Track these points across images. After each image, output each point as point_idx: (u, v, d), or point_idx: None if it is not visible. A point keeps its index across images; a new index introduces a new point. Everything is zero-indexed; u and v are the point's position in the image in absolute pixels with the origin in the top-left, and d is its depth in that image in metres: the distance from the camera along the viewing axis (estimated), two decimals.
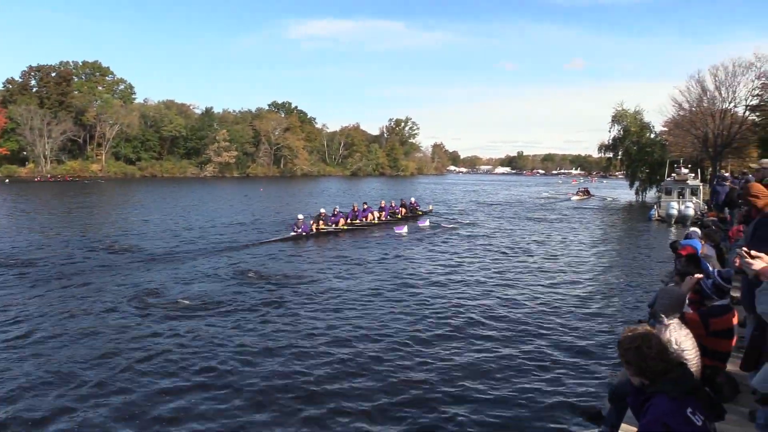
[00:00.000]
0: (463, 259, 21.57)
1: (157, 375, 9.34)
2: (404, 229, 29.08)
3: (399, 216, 35.16)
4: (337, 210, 30.77)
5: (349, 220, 30.49)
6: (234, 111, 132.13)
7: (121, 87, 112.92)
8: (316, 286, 16.25)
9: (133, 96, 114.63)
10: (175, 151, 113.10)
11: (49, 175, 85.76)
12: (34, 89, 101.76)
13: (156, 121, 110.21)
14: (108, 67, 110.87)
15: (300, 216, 27.98)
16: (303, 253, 22.30)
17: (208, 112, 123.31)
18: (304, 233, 26.89)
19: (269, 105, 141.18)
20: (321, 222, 28.55)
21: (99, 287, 15.55)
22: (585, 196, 70.23)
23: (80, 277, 16.90)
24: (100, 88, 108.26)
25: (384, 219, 33.18)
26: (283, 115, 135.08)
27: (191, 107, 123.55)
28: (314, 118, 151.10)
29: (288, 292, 15.32)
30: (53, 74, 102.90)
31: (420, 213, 37.61)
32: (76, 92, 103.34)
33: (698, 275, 5.54)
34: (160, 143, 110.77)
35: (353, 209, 32.04)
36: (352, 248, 23.92)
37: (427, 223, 32.93)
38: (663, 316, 4.72)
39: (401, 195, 52.60)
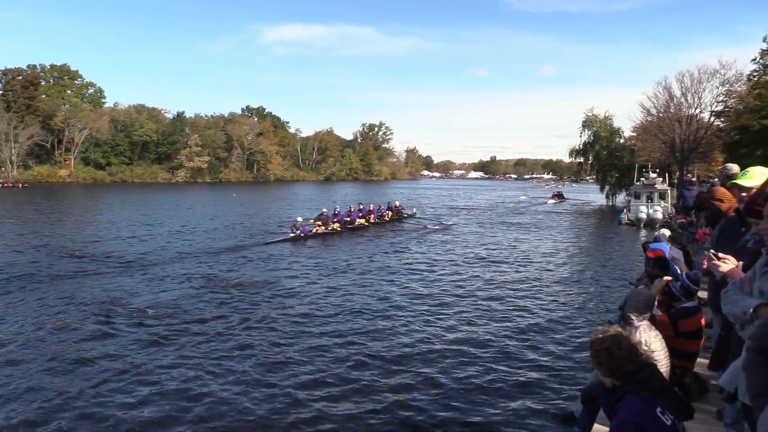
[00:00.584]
0: (436, 266, 21.61)
1: (125, 388, 9.15)
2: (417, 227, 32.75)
3: (386, 219, 36.82)
4: (338, 210, 32.74)
5: (345, 221, 32.13)
6: (206, 116, 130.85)
7: (91, 91, 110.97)
8: (283, 290, 16.15)
9: (103, 100, 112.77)
10: (146, 156, 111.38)
11: (19, 182, 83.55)
12: (1, 93, 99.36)
13: (126, 126, 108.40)
14: (77, 71, 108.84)
15: (299, 218, 28.95)
16: (287, 257, 22.15)
17: (179, 116, 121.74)
18: (302, 234, 27.75)
19: (242, 110, 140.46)
20: (321, 223, 29.83)
21: (63, 296, 15.18)
22: (560, 200, 72.44)
23: (44, 285, 16.48)
24: (68, 91, 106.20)
25: (373, 221, 34.72)
26: (256, 120, 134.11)
27: (162, 111, 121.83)
28: (288, 123, 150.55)
29: (257, 298, 15.19)
30: (20, 78, 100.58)
31: (405, 216, 39.94)
32: (44, 96, 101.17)
33: (667, 277, 5.64)
34: (131, 148, 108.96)
35: (350, 211, 33.81)
36: (336, 252, 23.90)
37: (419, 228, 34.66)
38: (633, 317, 4.78)
39: (375, 200, 52.60)
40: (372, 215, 35.21)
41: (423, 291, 16.61)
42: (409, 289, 16.78)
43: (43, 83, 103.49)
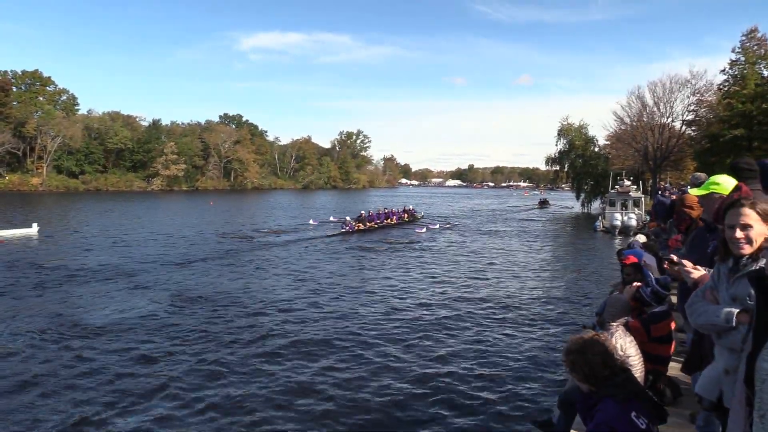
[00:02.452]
0: (413, 275, 21.73)
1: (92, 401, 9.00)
2: (424, 229, 38.47)
3: (405, 219, 44.05)
4: (371, 212, 40.09)
5: (374, 222, 38.75)
6: (182, 123, 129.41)
7: (64, 98, 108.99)
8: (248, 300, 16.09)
9: (76, 107, 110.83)
10: (121, 164, 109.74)
11: None
12: None
13: (100, 133, 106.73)
14: (49, 77, 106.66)
15: (347, 218, 37.44)
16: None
17: (155, 124, 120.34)
18: (350, 230, 35.26)
19: (220, 117, 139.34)
20: (360, 223, 37.14)
21: (31, 307, 14.89)
22: (546, 206, 78.78)
23: (7, 297, 16.15)
24: (40, 98, 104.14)
25: (396, 222, 41.91)
26: (233, 128, 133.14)
27: (138, 119, 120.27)
28: (265, 131, 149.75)
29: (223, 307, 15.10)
30: None
31: (419, 218, 47.45)
32: (15, 103, 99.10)
33: (636, 283, 5.75)
34: (105, 156, 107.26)
35: (378, 212, 41.10)
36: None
37: (424, 229, 39.04)
38: (611, 323, 4.86)
39: (354, 208, 52.54)
40: (395, 216, 42.42)
41: (402, 299, 16.69)
42: (392, 298, 16.89)
43: (14, 90, 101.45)
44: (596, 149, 67.05)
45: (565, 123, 67.31)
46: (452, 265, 23.80)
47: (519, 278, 20.94)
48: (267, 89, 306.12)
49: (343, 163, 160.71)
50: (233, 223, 41.50)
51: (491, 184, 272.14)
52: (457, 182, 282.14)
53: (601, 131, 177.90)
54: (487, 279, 20.53)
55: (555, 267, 24.44)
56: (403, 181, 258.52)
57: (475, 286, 19.11)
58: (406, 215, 45.31)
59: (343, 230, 35.47)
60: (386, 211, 42.45)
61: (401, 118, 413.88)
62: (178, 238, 31.68)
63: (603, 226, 41.34)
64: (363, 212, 39.48)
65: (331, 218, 42.19)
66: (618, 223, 38.96)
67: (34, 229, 32.12)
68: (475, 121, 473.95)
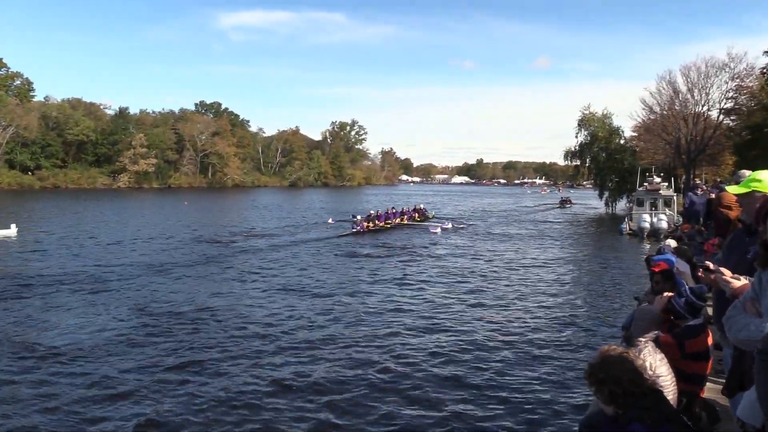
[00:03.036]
0: (422, 285, 21.89)
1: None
2: (438, 230, 40.71)
3: (416, 219, 47.07)
4: (380, 212, 42.79)
5: (384, 222, 41.45)
6: (153, 112, 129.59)
7: (17, 82, 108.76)
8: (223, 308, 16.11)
9: (32, 93, 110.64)
10: (83, 159, 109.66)
11: None
12: None
13: (60, 123, 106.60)
14: (0, 59, 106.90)
15: (358, 216, 39.70)
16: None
17: (122, 113, 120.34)
18: (361, 230, 37.78)
19: (196, 105, 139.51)
20: (370, 222, 39.76)
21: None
22: (568, 206, 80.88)
23: None
24: None
25: (407, 221, 45.05)
26: (211, 117, 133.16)
27: (102, 107, 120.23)
28: (247, 121, 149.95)
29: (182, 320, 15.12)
30: None
31: (430, 217, 50.16)
32: None
33: (668, 293, 5.76)
34: (65, 149, 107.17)
35: (387, 212, 43.79)
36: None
37: (438, 230, 41.13)
38: (639, 338, 4.85)
39: (348, 208, 52.59)
40: (405, 216, 45.40)
41: (415, 309, 16.75)
42: (405, 305, 16.99)
43: None
44: (622, 141, 67.20)
45: (586, 112, 67.43)
46: (462, 273, 23.93)
47: (535, 288, 20.97)
48: (250, 74, 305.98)
49: (335, 158, 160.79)
50: (211, 226, 41.54)
51: (502, 181, 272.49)
52: (464, 179, 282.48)
53: (627, 121, 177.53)
54: (500, 289, 20.57)
55: (575, 275, 24.49)
56: (404, 177, 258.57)
57: (486, 297, 19.19)
58: (416, 214, 48.14)
59: (354, 230, 37.96)
60: (395, 210, 45.57)
61: (402, 107, 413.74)
62: (147, 242, 31.73)
63: (629, 229, 41.39)
64: (372, 211, 42.64)
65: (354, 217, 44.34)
66: (646, 225, 38.99)
67: (12, 230, 32.76)
68: (484, 110, 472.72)
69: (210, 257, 26.62)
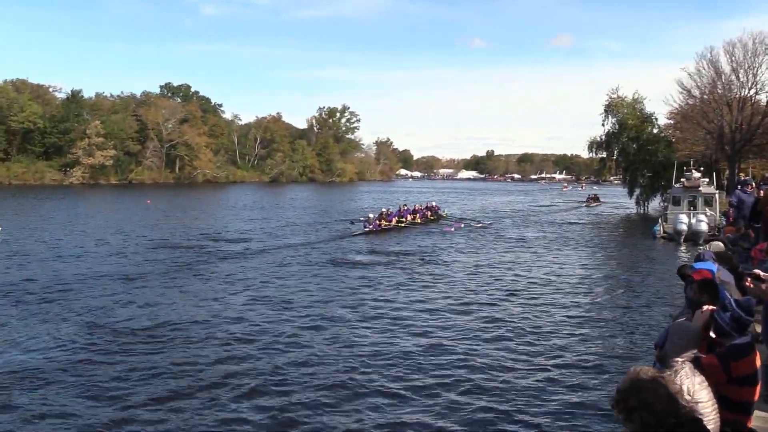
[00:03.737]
0: (432, 295, 22.14)
1: None
2: (453, 228, 44.84)
3: (429, 217, 51.11)
4: (391, 210, 47.02)
5: (395, 220, 45.12)
6: (112, 96, 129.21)
7: None
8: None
9: None
10: (29, 150, 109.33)
11: None
12: None
13: (2, 109, 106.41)
14: None
15: (370, 215, 43.10)
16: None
17: (75, 96, 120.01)
18: (374, 229, 40.96)
19: (161, 88, 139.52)
20: (383, 220, 43.12)
21: None
22: (594, 203, 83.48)
23: None
24: None
25: (420, 220, 48.80)
26: (179, 102, 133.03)
27: (51, 90, 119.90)
28: (221, 107, 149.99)
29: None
30: None
31: (444, 215, 54.54)
32: None
33: (709, 307, 5.71)
34: (8, 138, 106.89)
35: (400, 210, 48.09)
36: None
37: (453, 229, 44.92)
38: (674, 358, 4.80)
39: (338, 208, 52.61)
40: (418, 214, 49.25)
41: (428, 317, 16.79)
42: (426, 310, 17.60)
43: None
44: (655, 131, 67.34)
45: (614, 96, 67.57)
46: (474, 282, 24.20)
47: (554, 300, 21.04)
48: (224, 52, 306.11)
49: (323, 149, 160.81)
50: (178, 228, 41.53)
51: (517, 176, 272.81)
52: (472, 174, 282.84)
53: (661, 107, 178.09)
54: (515, 302, 20.62)
55: (601, 286, 24.49)
56: (402, 172, 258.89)
57: (500, 310, 19.30)
58: (429, 213, 52.26)
59: (366, 229, 40.97)
60: (407, 208, 49.71)
61: (400, 92, 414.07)
62: (103, 247, 31.72)
63: (664, 231, 41.48)
64: (384, 209, 46.82)
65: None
66: (684, 227, 39.03)
67: None
68: (496, 95, 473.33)
69: (177, 265, 26.56)
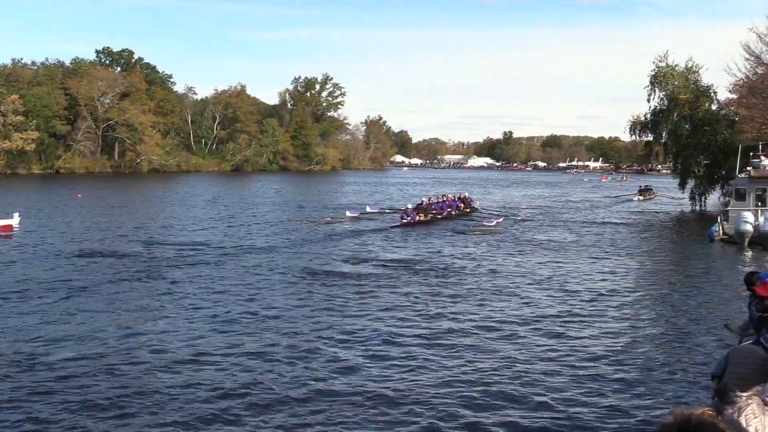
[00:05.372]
0: (466, 304, 22.35)
1: None
2: (493, 222, 49.92)
3: (463, 210, 56.85)
4: (432, 200, 53.69)
5: (432, 213, 50.64)
6: (34, 64, 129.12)
7: None
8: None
9: None
10: None
11: None
12: None
13: None
14: None
15: (409, 205, 49.92)
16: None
17: None
18: (412, 221, 46.68)
19: (97, 54, 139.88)
20: (422, 213, 48.92)
21: None
22: (650, 196, 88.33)
23: None
24: None
25: (455, 213, 55.03)
26: (118, 72, 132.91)
27: None
28: (171, 77, 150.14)
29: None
30: None
31: (477, 208, 60.80)
32: None
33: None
34: None
35: (439, 201, 54.03)
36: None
37: (494, 223, 49.96)
38: (737, 392, 4.70)
39: (315, 206, 52.42)
40: (453, 207, 55.01)
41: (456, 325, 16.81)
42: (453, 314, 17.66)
43: None
44: (714, 107, 67.33)
45: (662, 65, 67.42)
46: (495, 295, 24.43)
47: (590, 318, 21.04)
48: (174, 8, 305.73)
49: (299, 131, 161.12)
50: (116, 229, 41.48)
51: (541, 164, 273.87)
52: (486, 161, 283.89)
53: (722, 78, 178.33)
54: (545, 320, 20.69)
55: (649, 297, 24.70)
56: (399, 159, 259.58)
57: (530, 328, 19.47)
58: (462, 204, 58.04)
59: (405, 221, 46.68)
60: (445, 199, 55.81)
61: (396, 58, 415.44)
62: (19, 253, 31.57)
63: (723, 233, 41.40)
64: (425, 199, 53.73)
65: (368, 208, 56.41)
66: (749, 227, 38.94)
67: (15, 220, 39.91)
68: (516, 63, 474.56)
69: (111, 277, 26.29)
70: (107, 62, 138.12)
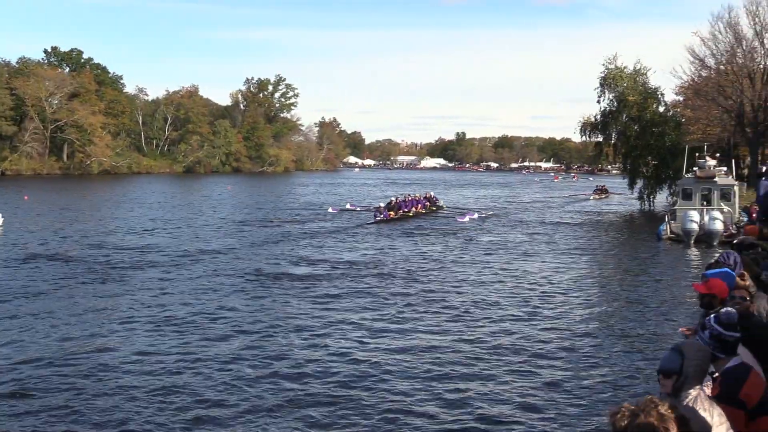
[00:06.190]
0: (414, 304, 22.66)
1: None
2: (466, 218, 53.96)
3: (430, 208, 60.34)
4: (399, 199, 56.41)
5: (402, 211, 53.93)
6: None
7: None
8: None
9: None
10: None
11: None
12: None
13: None
14: None
15: (381, 204, 53.75)
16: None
17: None
18: (385, 218, 50.04)
19: (45, 54, 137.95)
20: (393, 210, 52.37)
21: None
22: (605, 196, 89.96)
23: None
24: None
25: (423, 210, 58.48)
26: (67, 73, 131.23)
27: None
28: (121, 78, 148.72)
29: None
30: None
31: (442, 206, 63.90)
32: None
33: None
34: None
35: (405, 200, 56.97)
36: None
37: (467, 218, 53.92)
38: (688, 387, 4.76)
39: (267, 204, 52.18)
40: (420, 204, 58.28)
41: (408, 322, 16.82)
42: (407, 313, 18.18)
43: None
44: (662, 109, 68.16)
45: (611, 66, 68.08)
46: (446, 295, 24.48)
47: (540, 315, 21.31)
48: (124, 8, 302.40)
49: (252, 132, 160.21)
50: (61, 232, 40.89)
51: (493, 164, 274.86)
52: (439, 162, 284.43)
53: (669, 80, 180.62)
54: (495, 318, 20.90)
55: (597, 296, 25.03)
56: (352, 159, 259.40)
57: (478, 327, 19.63)
58: (429, 203, 61.46)
59: (378, 218, 50.05)
60: (411, 198, 58.75)
61: (350, 59, 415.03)
62: None
63: (671, 231, 41.84)
64: (393, 199, 56.88)
65: (348, 206, 61.69)
66: (694, 226, 39.37)
67: None
68: (471, 64, 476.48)
69: (55, 282, 25.96)
70: (56, 62, 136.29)
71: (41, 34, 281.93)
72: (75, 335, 18.16)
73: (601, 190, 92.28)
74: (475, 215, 56.97)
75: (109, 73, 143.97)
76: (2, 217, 41.64)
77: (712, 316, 5.78)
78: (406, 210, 54.90)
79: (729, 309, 5.83)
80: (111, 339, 17.87)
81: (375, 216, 50.87)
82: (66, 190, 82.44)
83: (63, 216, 51.31)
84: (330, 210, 59.00)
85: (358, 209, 60.56)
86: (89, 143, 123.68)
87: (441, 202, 66.02)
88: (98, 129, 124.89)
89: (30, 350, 16.62)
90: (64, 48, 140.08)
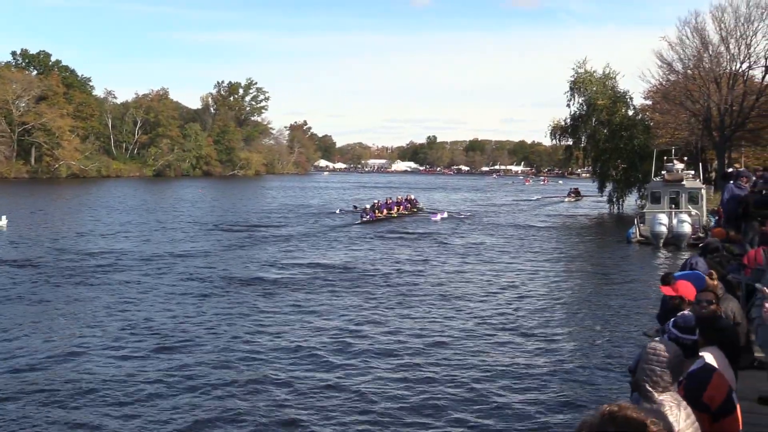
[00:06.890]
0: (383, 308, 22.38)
1: None
2: (438, 217, 58.19)
3: (411, 210, 64.43)
4: (380, 202, 59.15)
5: (385, 212, 57.46)
6: None
7: None
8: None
9: None
10: None
11: None
12: None
13: None
14: None
15: (366, 205, 56.59)
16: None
17: None
18: (371, 219, 53.40)
19: (12, 56, 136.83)
20: (377, 211, 55.82)
21: None
22: (578, 198, 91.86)
23: None
24: None
25: (404, 212, 62.15)
26: (35, 75, 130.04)
27: None
28: (90, 81, 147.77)
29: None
30: None
31: (422, 208, 67.75)
32: None
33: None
34: None
35: (386, 202, 60.30)
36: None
37: (438, 217, 58.19)
38: (651, 389, 4.77)
39: (237, 208, 51.90)
40: (401, 206, 62.27)
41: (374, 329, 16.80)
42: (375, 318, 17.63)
43: None
44: (630, 113, 68.34)
45: (581, 71, 67.92)
46: (418, 299, 24.43)
47: (511, 318, 21.28)
48: (93, 10, 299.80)
49: (222, 135, 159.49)
50: (30, 237, 40.51)
51: (464, 168, 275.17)
52: (410, 165, 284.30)
53: (637, 84, 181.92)
54: (465, 320, 20.89)
55: (566, 299, 25.01)
56: (323, 163, 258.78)
57: (446, 330, 19.60)
58: (410, 205, 65.61)
59: (365, 219, 53.04)
60: (391, 200, 62.02)
61: (321, 62, 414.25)
62: None
63: (640, 234, 42.10)
64: (376, 201, 59.79)
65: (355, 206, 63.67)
66: (663, 228, 39.66)
67: (3, 221, 42.31)
68: (441, 67, 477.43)
69: (21, 284, 25.93)
70: (23, 64, 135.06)
71: (8, 36, 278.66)
72: (42, 341, 17.95)
73: (575, 193, 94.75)
74: (446, 214, 60.93)
75: (77, 75, 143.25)
76: (6, 219, 42.78)
77: (671, 320, 5.88)
78: (390, 211, 58.62)
79: (686, 313, 5.91)
80: (80, 345, 17.66)
81: (362, 217, 53.81)
82: (33, 194, 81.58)
83: (31, 220, 50.83)
84: (337, 211, 62.40)
85: (357, 210, 61.56)
86: (57, 146, 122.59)
87: (421, 204, 70.02)
88: (66, 132, 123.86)
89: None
90: (32, 50, 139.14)
